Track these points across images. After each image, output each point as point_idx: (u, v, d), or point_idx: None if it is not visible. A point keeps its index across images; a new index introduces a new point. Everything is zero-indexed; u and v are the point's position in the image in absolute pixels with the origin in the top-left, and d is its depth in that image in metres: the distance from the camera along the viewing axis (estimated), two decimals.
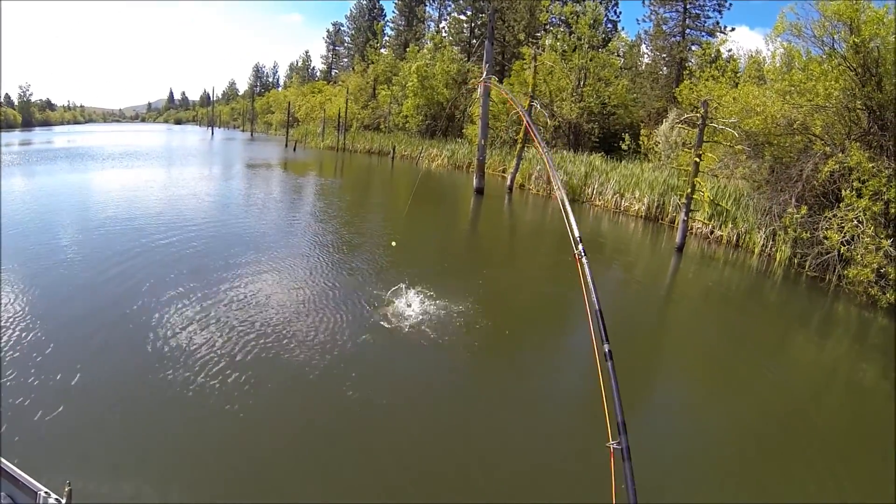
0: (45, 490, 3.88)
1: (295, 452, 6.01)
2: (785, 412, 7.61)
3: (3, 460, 4.09)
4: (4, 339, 7.90)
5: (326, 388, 7.40)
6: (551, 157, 4.30)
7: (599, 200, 25.25)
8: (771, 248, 16.45)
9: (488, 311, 11.00)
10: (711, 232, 18.80)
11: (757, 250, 16.78)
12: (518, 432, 6.82)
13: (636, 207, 23.07)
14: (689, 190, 16.42)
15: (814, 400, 8.23)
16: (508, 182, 28.44)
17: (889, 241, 12.55)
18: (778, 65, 20.07)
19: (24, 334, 8.07)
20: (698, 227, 19.07)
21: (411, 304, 10.26)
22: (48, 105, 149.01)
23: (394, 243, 11.03)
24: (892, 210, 13.34)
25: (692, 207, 16.83)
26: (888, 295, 11.85)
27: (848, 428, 7.28)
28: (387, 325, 9.49)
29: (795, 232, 14.90)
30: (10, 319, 8.56)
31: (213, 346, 8.16)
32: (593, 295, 3.64)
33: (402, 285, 10.59)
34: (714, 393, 8.23)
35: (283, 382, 7.33)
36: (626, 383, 6.82)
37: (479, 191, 26.07)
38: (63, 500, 3.78)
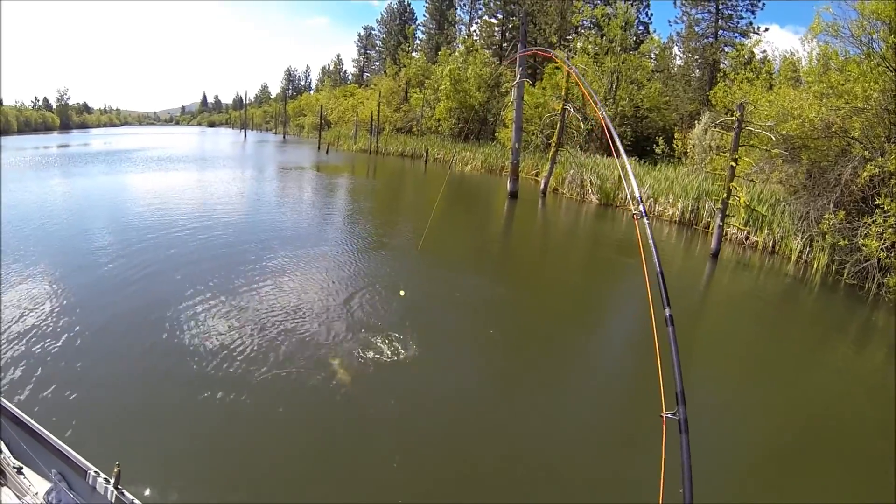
0: (95, 470, 4.12)
1: (328, 450, 6.29)
2: (816, 416, 7.70)
3: (56, 439, 4.38)
4: (42, 330, 8.52)
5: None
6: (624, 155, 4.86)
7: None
8: (808, 254, 16.08)
9: (533, 299, 11.52)
10: (747, 237, 18.54)
11: (794, 257, 16.41)
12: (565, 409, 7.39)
13: (670, 212, 22.84)
14: (725, 195, 16.23)
15: (845, 405, 8.24)
16: (542, 186, 28.44)
17: None
18: (814, 66, 19.85)
19: (62, 329, 8.63)
20: (733, 233, 18.79)
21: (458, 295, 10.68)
22: (85, 108, 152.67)
23: (402, 293, 10.96)
24: None
25: (728, 212, 16.65)
26: None
27: (875, 434, 7.25)
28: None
29: (833, 238, 14.68)
30: (50, 314, 9.17)
31: (245, 342, 8.60)
32: (654, 256, 3.59)
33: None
34: (745, 396, 8.26)
35: (315, 377, 7.67)
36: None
37: (514, 194, 26.23)
38: (112, 481, 3.99)
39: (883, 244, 13.29)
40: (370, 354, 8.46)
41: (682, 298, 13.35)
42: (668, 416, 2.87)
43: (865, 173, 14.31)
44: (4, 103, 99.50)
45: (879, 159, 14.29)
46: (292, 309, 10.22)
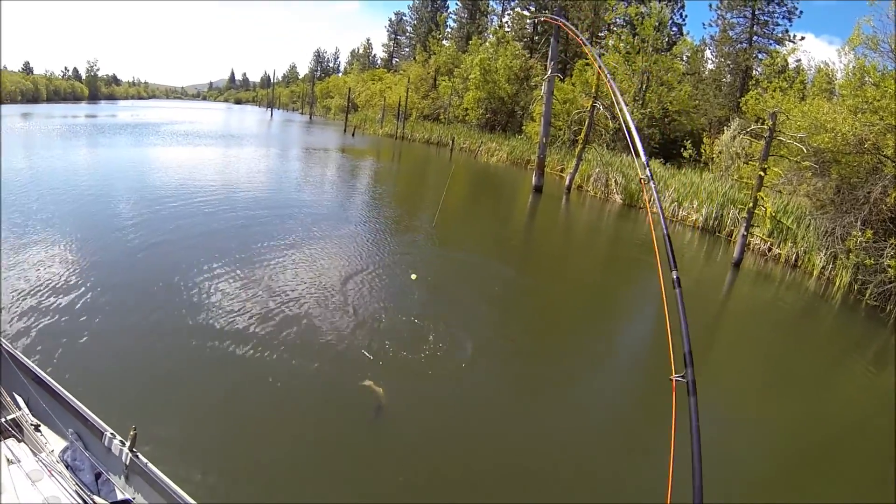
0: (112, 431, 4.26)
1: (340, 423, 6.58)
2: (825, 434, 7.81)
3: (74, 399, 4.51)
4: (64, 291, 8.94)
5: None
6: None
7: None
8: (830, 271, 15.87)
9: (554, 289, 12.12)
10: (769, 249, 18.36)
11: (816, 272, 16.23)
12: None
13: (693, 218, 22.76)
14: (751, 204, 16.13)
15: (858, 420, 8.39)
16: (567, 182, 28.50)
17: None
18: (850, 79, 19.64)
19: (83, 296, 8.95)
20: (756, 243, 18.61)
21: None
22: (114, 80, 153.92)
23: (413, 276, 11.15)
24: None
25: (752, 222, 16.54)
26: None
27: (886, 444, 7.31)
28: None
29: (858, 257, 14.49)
30: (71, 282, 9.49)
31: (262, 311, 9.02)
32: (661, 220, 3.65)
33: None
34: (756, 409, 8.30)
35: (327, 358, 7.92)
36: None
37: (538, 189, 26.39)
38: (127, 444, 4.10)
39: None
40: (386, 336, 8.70)
41: (702, 305, 13.43)
42: (678, 378, 2.92)
43: None
44: (35, 72, 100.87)
45: None
46: (310, 284, 10.61)
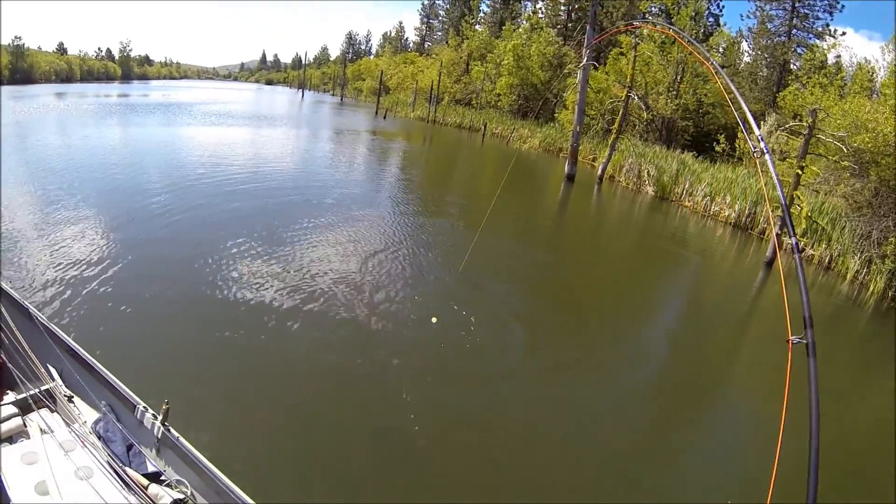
0: (144, 405, 4.32)
1: (370, 402, 6.72)
2: (853, 447, 7.54)
3: (108, 372, 4.58)
4: (97, 272, 9.14)
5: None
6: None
7: (689, 201, 24.68)
8: (864, 276, 15.47)
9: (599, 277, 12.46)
10: (802, 249, 17.72)
11: (849, 276, 15.88)
12: None
13: (726, 213, 22.37)
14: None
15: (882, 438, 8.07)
16: (599, 172, 28.35)
17: None
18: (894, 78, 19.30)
19: (115, 269, 9.31)
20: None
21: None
22: (146, 60, 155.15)
23: (434, 320, 11.08)
24: None
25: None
26: None
27: None
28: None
29: (894, 263, 14.26)
30: (104, 256, 9.84)
31: (295, 289, 9.31)
32: (778, 188, 3.61)
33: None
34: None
35: (359, 330, 8.26)
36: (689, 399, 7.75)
37: (571, 177, 26.44)
38: (160, 417, 4.15)
39: None
40: (415, 317, 8.99)
41: (733, 304, 13.55)
42: (795, 340, 2.88)
43: None
44: (69, 52, 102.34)
45: None
46: (339, 263, 10.95)
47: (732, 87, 4.57)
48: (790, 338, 2.90)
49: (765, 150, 3.95)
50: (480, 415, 6.81)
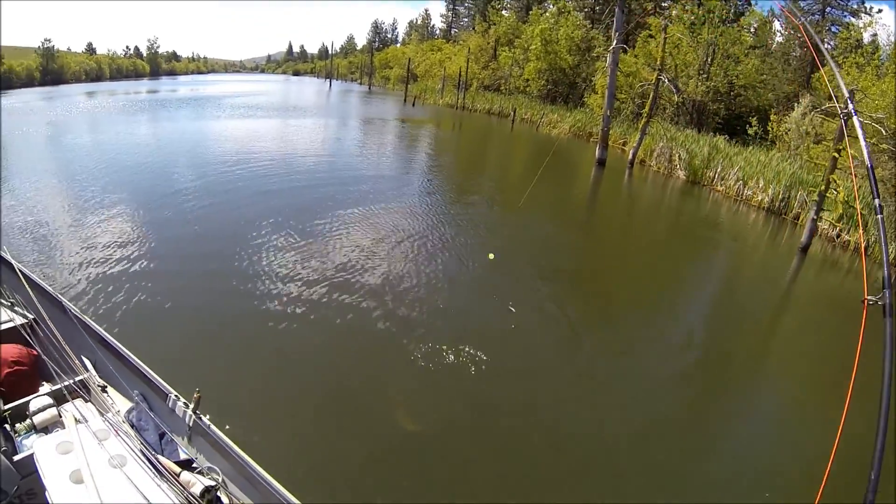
0: (175, 394, 4.44)
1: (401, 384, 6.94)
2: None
3: (140, 362, 4.71)
4: (129, 264, 9.58)
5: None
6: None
7: (721, 186, 24.43)
8: None
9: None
10: (839, 235, 17.56)
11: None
12: None
13: (759, 198, 22.03)
14: (823, 187, 15.50)
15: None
16: (630, 156, 28.24)
17: None
18: None
19: (145, 261, 9.78)
20: (824, 229, 17.77)
21: None
22: (174, 56, 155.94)
23: (491, 256, 11.29)
24: None
25: (823, 206, 15.84)
26: None
27: None
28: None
29: None
30: (134, 247, 10.33)
31: (325, 280, 9.55)
32: (864, 148, 3.50)
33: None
34: (800, 415, 8.01)
35: (388, 319, 8.44)
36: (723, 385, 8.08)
37: (602, 162, 26.49)
38: (191, 406, 4.27)
39: None
40: (444, 305, 9.19)
41: (766, 291, 13.47)
42: (872, 300, 2.82)
43: None
44: (98, 52, 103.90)
45: None
46: (370, 250, 11.22)
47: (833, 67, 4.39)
48: (866, 297, 2.87)
49: (850, 109, 3.91)
50: (519, 404, 6.90)
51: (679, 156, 27.45)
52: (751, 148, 28.34)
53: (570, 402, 7.15)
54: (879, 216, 3.19)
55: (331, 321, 8.23)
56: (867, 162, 3.49)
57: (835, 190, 15.51)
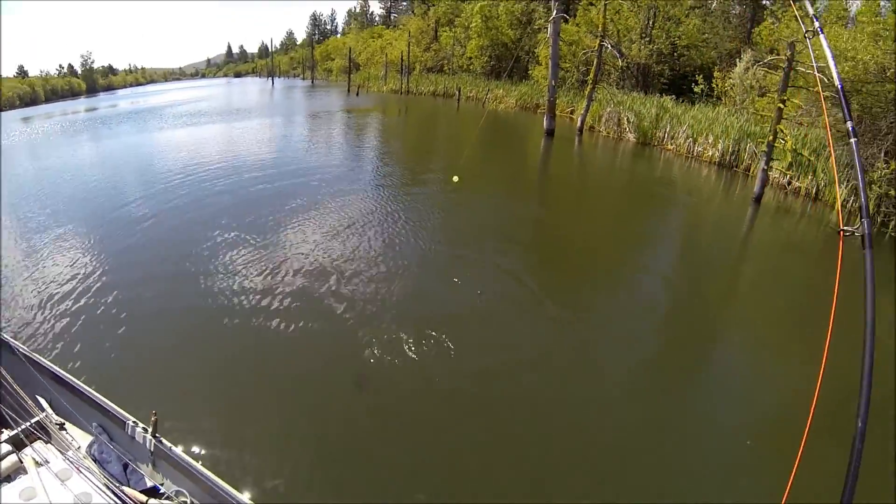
0: (133, 420, 4.34)
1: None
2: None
3: (95, 393, 4.59)
4: (78, 288, 8.98)
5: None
6: None
7: (671, 145, 24.69)
8: (852, 203, 14.92)
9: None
10: (789, 182, 17.76)
11: (837, 205, 15.21)
12: None
13: (710, 153, 22.35)
14: (771, 137, 15.60)
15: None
16: (578, 124, 28.27)
17: None
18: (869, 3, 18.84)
19: (93, 288, 9.08)
20: (775, 177, 18.03)
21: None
22: (110, 70, 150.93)
23: (455, 178, 11.38)
24: None
25: (772, 156, 15.94)
26: None
27: None
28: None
29: (882, 189, 13.94)
30: (80, 275, 9.58)
31: (275, 284, 9.03)
32: (835, 76, 3.28)
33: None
34: (779, 354, 7.93)
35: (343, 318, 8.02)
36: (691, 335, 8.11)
37: (550, 132, 26.24)
38: (149, 430, 4.19)
39: None
40: (399, 287, 8.91)
41: (725, 241, 13.56)
42: (849, 231, 2.68)
43: None
44: (31, 74, 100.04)
45: None
46: (322, 246, 10.73)
47: None
48: (842, 228, 2.70)
49: (816, 29, 3.57)
50: (489, 381, 6.70)
51: (627, 119, 27.54)
52: (698, 106, 28.43)
53: (545, 371, 6.99)
54: (853, 139, 2.89)
55: (287, 324, 7.83)
56: (837, 83, 3.27)
57: (783, 139, 15.64)
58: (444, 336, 7.33)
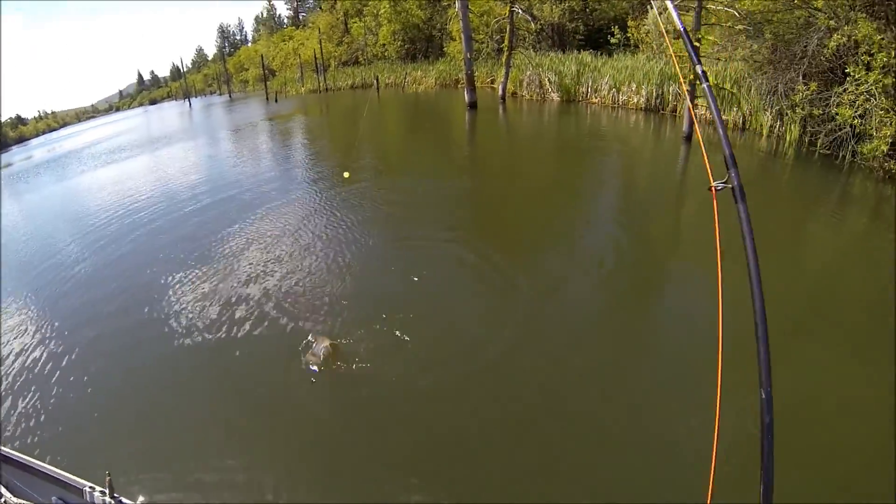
0: (90, 485, 4.14)
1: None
2: (807, 291, 7.47)
3: (48, 467, 4.39)
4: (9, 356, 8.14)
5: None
6: None
7: (595, 98, 24.91)
8: (779, 128, 15.83)
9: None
10: None
11: (765, 132, 16.14)
12: None
13: (635, 100, 22.65)
14: (692, 76, 15.26)
15: (836, 278, 8.05)
16: (500, 92, 28.09)
17: None
18: None
19: (28, 347, 8.27)
20: (702, 114, 18.27)
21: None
22: (19, 121, 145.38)
23: (346, 174, 11.85)
24: None
25: (696, 94, 15.93)
26: None
27: (872, 303, 6.97)
28: None
29: (804, 110, 14.32)
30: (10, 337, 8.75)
31: (222, 323, 8.13)
32: (675, 17, 3.08)
33: None
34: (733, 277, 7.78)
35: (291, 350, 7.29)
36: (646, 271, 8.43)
37: (473, 105, 25.91)
38: (107, 491, 4.02)
39: (856, 112, 12.77)
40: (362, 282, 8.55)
41: (661, 182, 13.87)
42: (719, 185, 2.48)
43: (832, 43, 13.49)
44: None
45: (846, 28, 13.47)
46: (263, 264, 9.96)
47: None
48: (713, 184, 2.48)
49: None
50: (469, 360, 6.50)
51: (549, 79, 27.48)
52: (617, 56, 28.40)
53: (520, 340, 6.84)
54: (705, 84, 2.68)
55: (234, 349, 7.30)
56: (679, 25, 2.98)
57: None
58: (397, 326, 7.05)
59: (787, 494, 3.78)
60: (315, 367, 6.40)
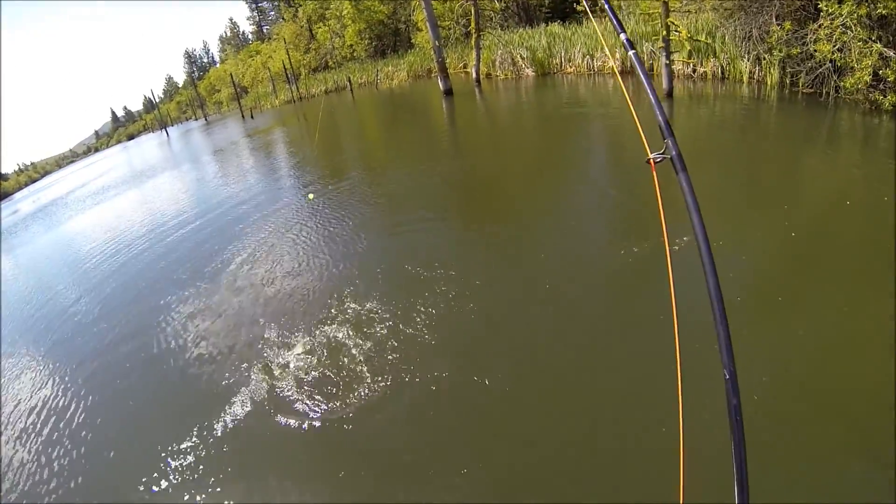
0: None
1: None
2: (808, 229, 7.18)
3: None
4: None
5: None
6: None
7: (570, 67, 24.63)
8: (759, 73, 15.67)
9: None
10: (694, 70, 18.01)
11: (745, 79, 15.99)
12: None
13: (610, 65, 22.38)
14: (664, 32, 15.49)
15: (835, 214, 7.66)
16: (474, 75, 27.86)
17: (880, 44, 11.54)
18: None
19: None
20: (679, 69, 18.24)
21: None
22: (0, 178, 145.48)
23: (311, 196, 11.56)
24: (879, 10, 11.79)
25: (671, 49, 15.97)
26: (889, 97, 11.12)
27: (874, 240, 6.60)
28: None
29: (782, 52, 14.12)
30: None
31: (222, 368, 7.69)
32: None
33: None
34: (734, 222, 7.71)
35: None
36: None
37: (448, 92, 25.66)
38: None
39: (835, 46, 12.48)
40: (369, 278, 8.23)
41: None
42: (657, 157, 2.27)
43: None
44: None
45: None
46: (271, 278, 9.49)
47: None
48: (651, 156, 2.25)
49: None
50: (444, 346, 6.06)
51: (521, 56, 27.19)
52: (586, 23, 27.90)
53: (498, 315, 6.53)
54: (632, 52, 2.37)
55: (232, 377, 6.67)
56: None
57: (676, 31, 15.53)
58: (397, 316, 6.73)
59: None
60: None
